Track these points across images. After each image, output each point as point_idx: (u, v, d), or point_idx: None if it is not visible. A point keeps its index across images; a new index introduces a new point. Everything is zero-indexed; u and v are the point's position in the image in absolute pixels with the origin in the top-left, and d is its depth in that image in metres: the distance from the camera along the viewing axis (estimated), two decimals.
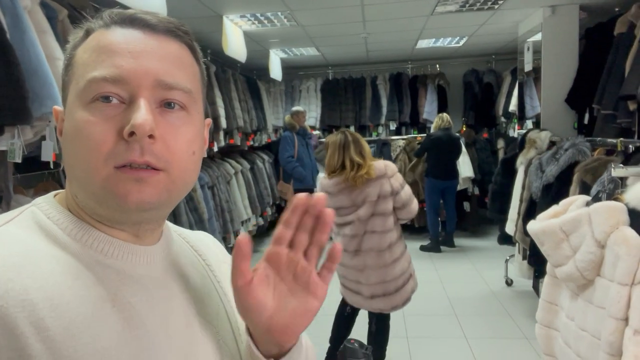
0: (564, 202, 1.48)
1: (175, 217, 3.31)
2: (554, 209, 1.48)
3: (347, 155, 2.35)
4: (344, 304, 2.64)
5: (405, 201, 2.37)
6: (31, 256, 0.48)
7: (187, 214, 3.43)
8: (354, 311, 2.63)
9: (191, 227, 3.36)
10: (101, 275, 0.51)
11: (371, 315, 2.56)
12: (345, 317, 2.64)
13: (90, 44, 0.53)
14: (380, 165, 2.36)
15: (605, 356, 1.20)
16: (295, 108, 5.25)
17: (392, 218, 2.37)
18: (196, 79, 0.57)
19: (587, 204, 1.40)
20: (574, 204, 1.44)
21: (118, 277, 0.52)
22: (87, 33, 0.54)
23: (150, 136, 0.49)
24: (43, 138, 1.91)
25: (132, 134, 0.48)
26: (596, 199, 1.39)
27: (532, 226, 1.45)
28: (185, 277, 0.61)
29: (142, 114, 0.49)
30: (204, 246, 0.70)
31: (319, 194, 0.53)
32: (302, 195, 0.53)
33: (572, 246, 1.34)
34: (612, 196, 1.37)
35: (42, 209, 0.54)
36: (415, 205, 2.42)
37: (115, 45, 0.52)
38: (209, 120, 0.64)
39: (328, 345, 2.71)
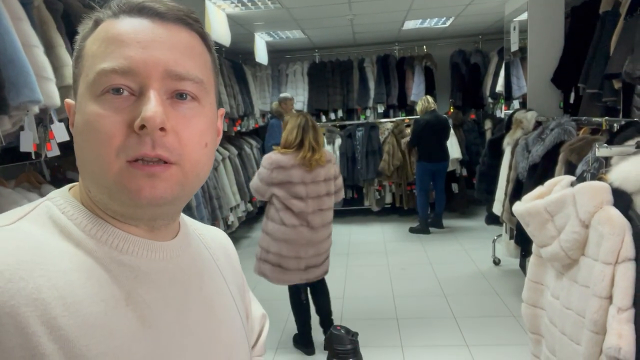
0: (548, 183, 1.49)
1: None
2: (539, 189, 1.49)
3: (307, 137, 2.57)
4: (296, 292, 2.81)
5: (339, 186, 2.73)
6: (44, 254, 0.47)
7: None
8: (305, 294, 2.85)
9: None
10: (116, 273, 0.50)
11: (300, 287, 2.80)
12: (304, 304, 2.84)
13: (99, 35, 0.52)
14: (329, 152, 2.70)
15: (590, 334, 1.22)
16: (282, 95, 5.20)
17: (332, 199, 2.71)
18: (207, 68, 0.56)
19: (572, 184, 1.41)
20: (558, 185, 1.45)
21: (133, 275, 0.52)
22: (96, 23, 0.53)
23: (162, 129, 0.48)
24: (22, 128, 1.86)
25: (142, 127, 0.48)
26: (581, 179, 1.40)
27: (518, 207, 1.46)
28: (200, 275, 0.61)
29: (153, 107, 0.48)
30: (216, 245, 0.70)
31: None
32: None
33: (557, 226, 1.35)
34: (596, 176, 1.38)
35: (57, 203, 0.54)
36: (342, 192, 2.82)
37: (124, 35, 0.50)
38: (223, 110, 0.62)
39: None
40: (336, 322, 3.05)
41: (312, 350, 2.86)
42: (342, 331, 0.92)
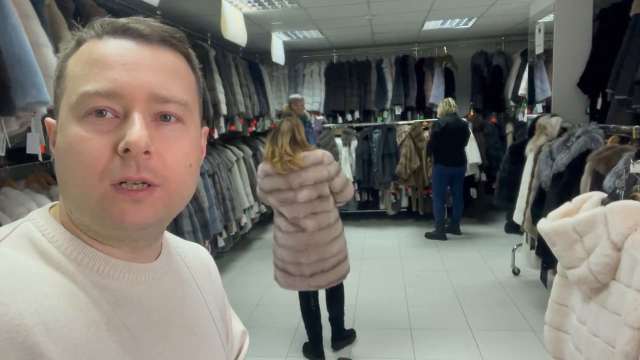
0: (577, 200, 1.38)
1: None
2: (566, 206, 1.39)
3: (276, 145, 2.54)
4: (305, 298, 2.74)
5: (341, 186, 2.59)
6: (25, 279, 0.47)
7: (187, 203, 3.36)
8: (316, 302, 2.77)
9: (190, 217, 3.31)
10: (97, 298, 0.50)
11: (309, 294, 2.73)
12: (313, 310, 2.76)
13: (82, 56, 0.51)
14: (318, 154, 2.55)
15: None
16: (293, 96, 5.13)
17: (330, 200, 2.60)
18: (192, 89, 0.56)
19: (603, 201, 1.30)
20: (588, 202, 1.34)
21: (113, 299, 0.51)
22: (79, 43, 0.53)
23: (147, 152, 0.48)
24: (29, 129, 1.83)
25: (127, 150, 0.47)
26: (613, 196, 1.29)
27: (543, 225, 1.36)
28: (181, 296, 0.60)
29: (137, 130, 0.48)
30: (197, 263, 0.70)
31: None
32: None
33: (586, 248, 1.25)
34: (629, 194, 1.27)
35: (37, 224, 0.53)
36: (350, 190, 2.64)
37: (108, 57, 0.50)
38: (206, 129, 0.63)
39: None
40: (347, 327, 2.97)
41: (353, 336, 2.82)
42: None
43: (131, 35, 0.51)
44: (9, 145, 1.72)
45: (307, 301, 2.75)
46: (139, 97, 0.49)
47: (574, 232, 1.26)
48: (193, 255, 0.70)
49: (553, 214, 1.38)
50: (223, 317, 0.72)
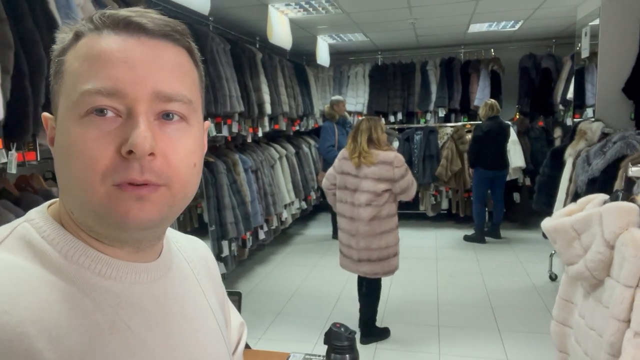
0: (581, 200, 1.46)
1: (218, 199, 3.50)
2: (570, 206, 1.47)
3: (356, 142, 2.85)
4: (359, 282, 3.05)
5: (403, 188, 2.81)
6: (26, 285, 0.46)
7: (230, 196, 3.61)
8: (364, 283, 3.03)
9: (234, 209, 3.54)
10: (99, 301, 0.49)
11: (361, 279, 3.01)
12: (363, 293, 3.03)
13: (81, 51, 0.49)
14: (391, 155, 2.81)
15: (606, 356, 1.20)
16: (335, 97, 5.29)
17: (384, 196, 2.81)
18: (195, 85, 0.54)
19: (605, 202, 1.37)
20: (591, 203, 1.42)
21: (116, 301, 0.50)
22: (77, 37, 0.50)
23: (151, 153, 0.47)
24: None
25: (131, 152, 0.46)
26: (613, 198, 1.36)
27: (546, 223, 1.44)
28: (183, 293, 0.60)
29: (142, 132, 0.46)
30: (196, 257, 0.69)
31: None
32: None
33: (584, 245, 1.33)
34: (629, 196, 1.34)
35: (36, 226, 0.51)
36: (412, 191, 2.86)
37: (109, 54, 0.47)
38: (208, 124, 0.61)
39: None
40: (379, 324, 3.11)
41: (386, 333, 3.06)
42: (341, 329, 1.00)
43: (133, 30, 0.49)
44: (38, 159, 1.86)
45: (360, 284, 3.04)
46: (142, 96, 0.47)
47: (572, 230, 1.35)
48: (192, 249, 0.69)
49: (558, 213, 1.47)
50: (222, 309, 0.71)
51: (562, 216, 1.44)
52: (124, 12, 0.50)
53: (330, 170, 3.04)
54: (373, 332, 3.04)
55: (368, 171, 2.80)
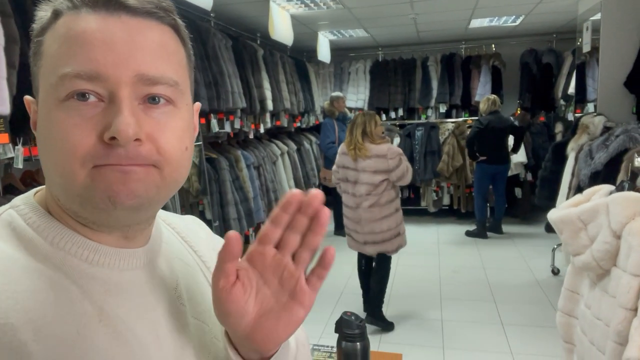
0: (587, 191, 1.46)
1: (221, 196, 3.51)
2: (577, 197, 1.47)
3: (352, 135, 3.06)
4: (359, 260, 3.30)
5: (399, 176, 3.02)
6: (10, 274, 0.44)
7: (233, 192, 3.62)
8: (367, 264, 3.28)
9: (236, 205, 3.55)
10: (86, 288, 0.47)
11: (365, 258, 3.28)
12: (362, 270, 3.30)
13: (59, 31, 0.46)
14: (384, 148, 3.01)
15: (613, 345, 1.21)
16: (334, 94, 5.29)
17: (382, 186, 3.03)
18: (182, 66, 0.51)
19: (610, 193, 1.38)
20: (597, 194, 1.43)
21: (104, 288, 0.48)
22: (55, 15, 0.47)
23: (137, 139, 0.45)
24: None
25: (113, 138, 0.44)
26: (619, 188, 1.37)
27: (552, 214, 1.45)
28: (176, 275, 0.58)
29: (125, 118, 0.44)
30: (192, 234, 0.66)
31: (314, 191, 0.49)
32: (296, 191, 0.48)
33: (590, 236, 1.34)
34: (634, 187, 1.34)
35: (22, 212, 0.49)
36: (407, 178, 3.06)
37: (89, 34, 0.44)
38: (198, 105, 0.58)
39: None
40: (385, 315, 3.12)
41: (390, 327, 3.17)
42: (352, 317, 1.01)
43: (113, 7, 0.45)
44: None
45: (360, 261, 3.31)
46: (125, 79, 0.45)
47: (578, 220, 1.35)
48: (184, 225, 0.67)
49: (564, 204, 1.47)
50: None
51: (568, 207, 1.44)
52: None
53: (334, 166, 3.25)
54: (378, 315, 3.17)
55: (365, 164, 3.01)
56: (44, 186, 0.53)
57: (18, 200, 0.51)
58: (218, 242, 0.67)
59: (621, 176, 2.60)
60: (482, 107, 5.13)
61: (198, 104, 0.58)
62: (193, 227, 0.68)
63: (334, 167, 3.25)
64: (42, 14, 0.48)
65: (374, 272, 3.22)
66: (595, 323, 1.35)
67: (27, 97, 0.52)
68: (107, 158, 0.44)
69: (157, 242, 0.57)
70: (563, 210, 1.42)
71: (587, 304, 1.43)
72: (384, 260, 3.16)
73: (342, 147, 3.18)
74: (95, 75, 0.44)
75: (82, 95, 0.44)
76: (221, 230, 3.46)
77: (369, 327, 3.05)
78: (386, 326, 3.12)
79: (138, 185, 0.46)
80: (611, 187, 1.40)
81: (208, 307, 0.57)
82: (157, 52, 0.47)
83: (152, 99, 0.47)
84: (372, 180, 3.01)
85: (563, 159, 3.69)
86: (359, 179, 3.05)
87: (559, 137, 5.87)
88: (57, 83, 0.45)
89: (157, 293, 0.53)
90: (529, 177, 5.80)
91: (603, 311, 1.32)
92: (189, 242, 0.64)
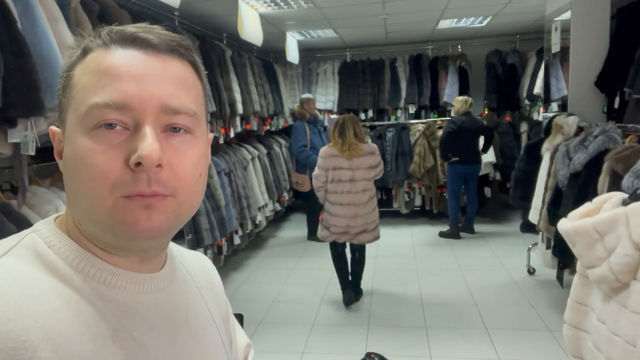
0: (597, 200, 1.39)
1: None
2: (586, 206, 1.40)
3: (345, 137, 3.30)
4: (334, 246, 3.50)
5: (380, 170, 3.42)
6: (32, 293, 0.46)
7: (205, 201, 3.41)
8: (343, 249, 3.55)
9: (208, 214, 3.35)
10: (103, 310, 0.50)
11: (354, 248, 3.54)
12: (340, 255, 3.53)
13: (90, 66, 0.50)
14: (372, 145, 3.41)
15: None
16: (304, 96, 5.17)
17: (372, 180, 3.41)
18: (200, 98, 0.56)
19: (624, 202, 1.31)
20: (609, 202, 1.35)
21: (120, 310, 0.51)
22: (85, 52, 0.51)
23: (158, 165, 0.48)
24: None
25: (139, 164, 0.47)
26: (634, 197, 1.30)
27: (564, 225, 1.37)
28: (187, 305, 0.61)
29: (149, 144, 0.47)
30: (200, 272, 0.69)
31: None
32: None
33: (607, 247, 1.26)
34: None
35: (43, 236, 0.52)
36: (381, 169, 3.46)
37: (117, 68, 0.49)
38: (211, 136, 0.62)
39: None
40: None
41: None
42: (376, 359, 0.88)
43: (140, 45, 0.51)
44: (39, 145, 1.77)
45: (336, 249, 3.50)
46: (150, 109, 0.49)
47: (594, 231, 1.27)
48: (196, 264, 0.70)
49: (573, 214, 1.39)
50: (227, 327, 0.72)
51: (579, 217, 1.37)
52: (131, 28, 0.52)
53: (317, 171, 3.37)
54: (360, 290, 3.63)
55: (359, 162, 3.28)
56: (62, 212, 0.56)
57: (40, 224, 0.55)
58: (224, 302, 0.73)
59: (603, 177, 2.59)
60: (458, 107, 5.10)
61: (211, 135, 0.62)
62: (205, 266, 0.73)
63: (317, 172, 3.36)
64: (71, 52, 0.53)
65: (357, 262, 3.55)
66: (613, 339, 1.28)
67: (52, 128, 0.56)
68: (133, 185, 0.48)
69: (171, 270, 0.61)
70: (575, 220, 1.34)
71: (600, 319, 1.36)
72: (364, 249, 3.55)
73: (327, 151, 3.33)
74: (123, 105, 0.48)
75: (110, 125, 0.48)
76: (194, 244, 3.25)
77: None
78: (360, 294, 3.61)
79: (161, 217, 0.49)
80: (624, 195, 1.33)
81: (212, 341, 0.63)
82: (179, 85, 0.52)
83: (173, 129, 0.51)
84: (368, 175, 3.31)
85: (537, 159, 3.70)
86: (355, 176, 3.29)
87: (524, 137, 5.98)
88: (87, 112, 0.49)
89: (171, 318, 0.56)
90: (498, 176, 5.86)
91: (622, 328, 1.24)
92: (194, 279, 0.67)
